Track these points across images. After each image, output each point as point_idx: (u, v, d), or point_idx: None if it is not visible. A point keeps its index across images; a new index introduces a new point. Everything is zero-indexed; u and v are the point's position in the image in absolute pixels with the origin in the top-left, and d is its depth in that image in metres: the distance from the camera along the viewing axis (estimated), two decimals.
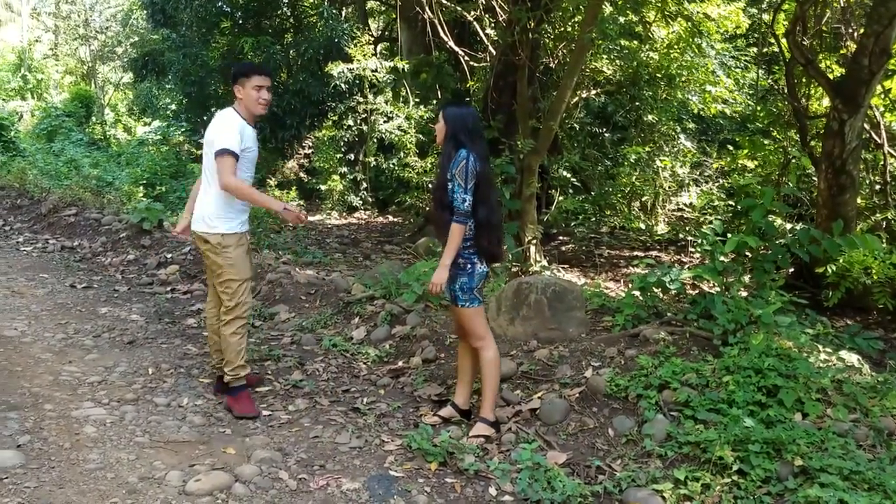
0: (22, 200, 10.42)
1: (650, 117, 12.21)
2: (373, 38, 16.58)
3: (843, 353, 4.58)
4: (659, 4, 10.40)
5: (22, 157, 12.74)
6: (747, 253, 5.35)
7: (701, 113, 12.70)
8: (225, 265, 4.22)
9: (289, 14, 16.80)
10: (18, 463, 3.40)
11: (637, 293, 5.47)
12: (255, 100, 4.21)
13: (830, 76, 8.61)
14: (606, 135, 12.71)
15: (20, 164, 11.85)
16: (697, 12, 10.92)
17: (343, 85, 13.65)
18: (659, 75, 11.80)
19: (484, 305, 4.09)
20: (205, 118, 18.02)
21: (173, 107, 19.95)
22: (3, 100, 22.21)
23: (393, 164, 13.60)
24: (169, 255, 7.71)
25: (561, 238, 11.58)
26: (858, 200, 8.49)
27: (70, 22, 29.49)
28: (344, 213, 14.05)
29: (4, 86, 23.92)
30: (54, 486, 3.26)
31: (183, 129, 16.18)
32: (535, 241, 9.03)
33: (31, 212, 9.96)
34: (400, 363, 5.16)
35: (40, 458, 3.48)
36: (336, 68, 13.07)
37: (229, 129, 4.12)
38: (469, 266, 3.89)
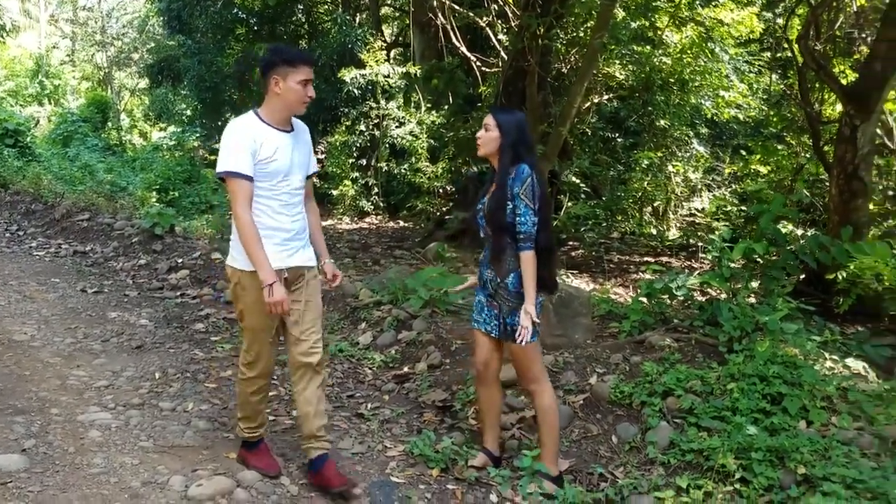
0: (36, 205, 10.54)
1: (663, 122, 12.19)
2: (386, 44, 16.66)
3: (850, 361, 4.54)
4: (671, 10, 10.38)
5: (37, 163, 12.89)
6: (758, 259, 5.33)
7: (714, 118, 12.65)
8: (239, 308, 3.45)
9: (303, 20, 16.94)
10: (23, 467, 3.42)
11: (644, 299, 5.45)
12: (300, 97, 3.30)
13: (844, 81, 8.55)
14: (618, 140, 12.69)
15: (35, 170, 11.98)
16: (710, 17, 10.89)
17: (356, 90, 13.74)
18: (672, 80, 11.77)
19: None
20: (219, 123, 18.23)
21: (188, 112, 20.19)
22: (21, 105, 22.48)
23: (404, 169, 13.66)
24: (180, 260, 7.77)
25: (571, 244, 11.55)
26: (871, 206, 8.42)
27: (87, 28, 29.88)
28: (355, 218, 14.12)
29: (22, 92, 24.20)
30: (58, 490, 3.28)
31: (197, 135, 16.34)
32: None
33: (44, 217, 10.06)
34: (405, 369, 5.17)
35: (45, 463, 3.51)
36: (349, 74, 13.16)
37: (225, 146, 3.28)
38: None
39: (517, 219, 3.38)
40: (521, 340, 3.37)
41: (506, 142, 3.46)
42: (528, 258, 3.37)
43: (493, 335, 3.61)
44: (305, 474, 3.58)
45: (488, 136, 3.50)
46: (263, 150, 3.27)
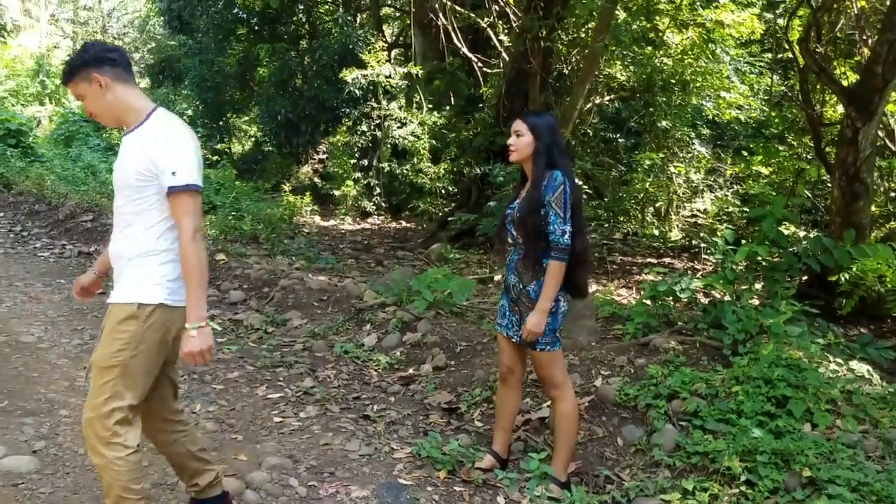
0: (40, 206, 10.55)
1: (664, 123, 12.20)
2: (387, 45, 16.69)
3: (854, 364, 4.56)
4: (671, 12, 10.40)
5: (40, 163, 12.89)
6: (760, 261, 5.35)
7: (715, 119, 12.67)
8: None
9: (304, 21, 16.95)
10: (34, 468, 3.45)
11: (648, 301, 5.48)
12: None
13: (845, 83, 8.57)
14: (620, 140, 12.71)
15: (38, 170, 11.98)
16: (711, 19, 10.91)
17: (357, 91, 13.76)
18: (673, 81, 11.79)
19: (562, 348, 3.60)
20: (220, 124, 18.28)
21: (189, 112, 20.18)
22: (22, 105, 22.50)
23: (406, 169, 13.68)
24: None
25: None
26: (872, 208, 8.45)
27: (88, 28, 29.88)
28: (357, 219, 14.14)
29: (23, 91, 24.21)
30: (69, 491, 3.31)
31: (199, 135, 16.32)
32: None
33: (48, 217, 10.07)
34: (410, 370, 5.20)
35: (55, 464, 3.54)
36: (350, 74, 13.18)
37: None
38: (554, 305, 3.38)
39: (547, 227, 3.32)
40: (524, 337, 3.35)
41: (540, 145, 3.40)
42: (554, 267, 3.30)
43: (514, 340, 3.56)
44: None
45: (522, 142, 3.43)
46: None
